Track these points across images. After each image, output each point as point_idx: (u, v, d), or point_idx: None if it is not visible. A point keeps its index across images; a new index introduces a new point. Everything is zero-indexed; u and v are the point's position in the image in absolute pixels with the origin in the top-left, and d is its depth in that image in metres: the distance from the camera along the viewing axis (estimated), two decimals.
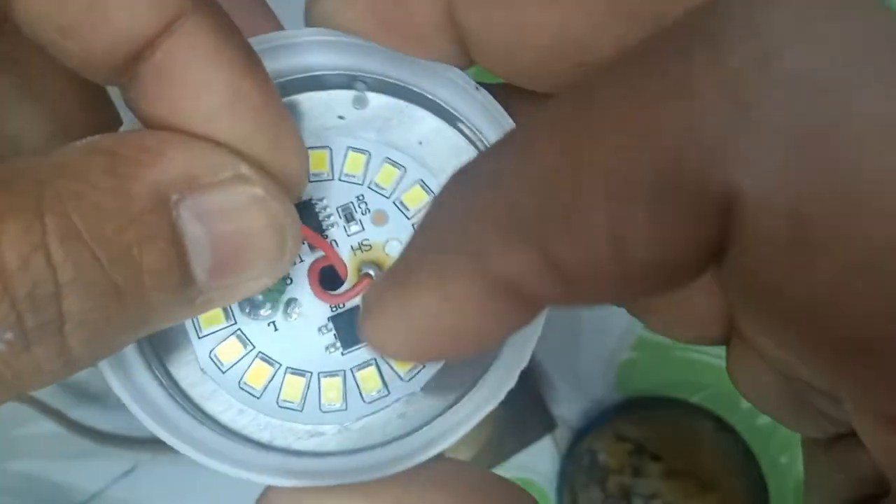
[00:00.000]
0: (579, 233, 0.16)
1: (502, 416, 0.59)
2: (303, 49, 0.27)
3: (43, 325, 0.19)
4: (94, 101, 0.28)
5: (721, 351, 0.62)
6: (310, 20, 0.27)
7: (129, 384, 0.24)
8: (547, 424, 0.60)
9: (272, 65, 0.27)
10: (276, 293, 0.26)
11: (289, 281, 0.27)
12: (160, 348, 0.26)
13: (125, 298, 0.20)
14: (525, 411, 0.59)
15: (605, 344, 0.62)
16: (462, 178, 0.18)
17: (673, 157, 0.15)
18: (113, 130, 0.25)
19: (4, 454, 0.59)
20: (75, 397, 0.58)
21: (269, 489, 0.24)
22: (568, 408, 0.61)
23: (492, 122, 0.27)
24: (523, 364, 0.25)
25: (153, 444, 0.58)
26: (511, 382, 0.25)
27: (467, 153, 0.28)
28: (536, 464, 0.60)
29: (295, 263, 0.27)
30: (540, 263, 0.16)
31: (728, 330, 0.27)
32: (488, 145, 0.27)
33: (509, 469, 0.60)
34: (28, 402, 0.57)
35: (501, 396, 0.25)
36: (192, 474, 0.59)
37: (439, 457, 0.25)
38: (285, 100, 0.28)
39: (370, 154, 0.28)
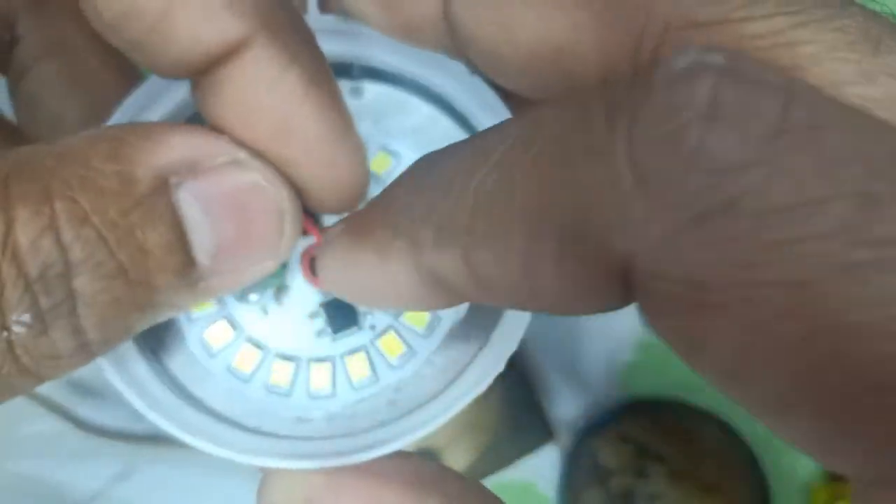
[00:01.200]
0: (499, 251, 0.17)
1: (500, 424, 0.59)
2: None
3: (57, 305, 0.19)
4: (131, 84, 0.29)
5: None
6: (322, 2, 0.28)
7: (119, 366, 0.25)
8: (545, 434, 0.60)
9: None
10: (275, 279, 0.26)
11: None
12: (150, 331, 0.26)
13: (131, 279, 0.20)
14: (523, 419, 0.59)
15: (608, 345, 0.62)
16: (426, 167, 0.20)
17: (581, 214, 0.16)
18: None
19: (4, 454, 0.59)
20: (74, 393, 0.58)
21: (267, 475, 0.25)
22: (570, 409, 0.61)
23: (486, 109, 0.27)
24: (512, 349, 0.25)
25: (153, 439, 0.58)
26: (499, 367, 0.25)
27: None
28: (538, 465, 0.60)
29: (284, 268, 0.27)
30: (463, 267, 0.18)
31: None
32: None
33: (511, 469, 0.60)
34: (28, 396, 0.57)
35: (489, 381, 0.24)
36: (193, 475, 0.59)
37: (431, 459, 0.25)
38: None
39: (366, 142, 0.28)
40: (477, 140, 0.19)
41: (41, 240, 0.19)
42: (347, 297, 0.24)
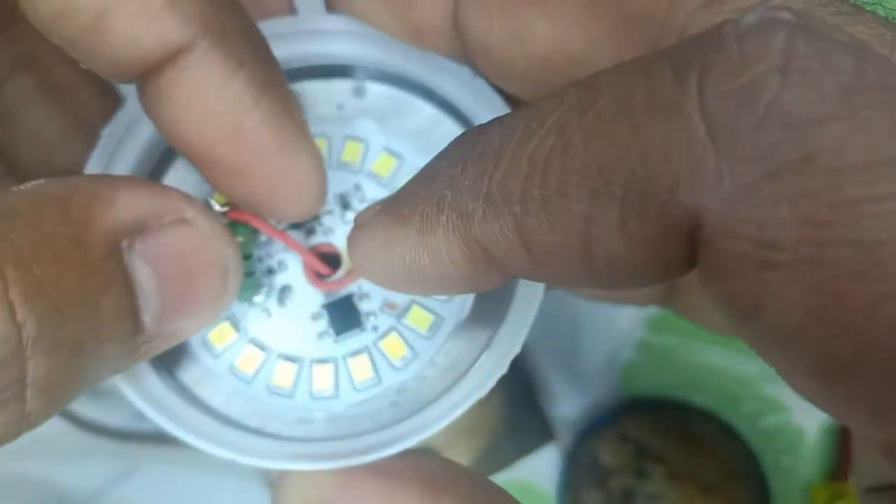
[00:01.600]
0: (555, 218, 0.17)
1: (499, 425, 0.58)
2: (304, 38, 0.27)
3: (5, 388, 0.17)
4: (109, 102, 0.28)
5: (722, 351, 0.61)
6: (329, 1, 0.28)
7: None
8: (545, 435, 0.60)
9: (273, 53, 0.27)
10: (249, 291, 0.26)
11: (273, 270, 0.27)
12: None
13: (86, 352, 0.19)
14: (524, 420, 0.59)
15: (608, 345, 0.62)
16: (471, 140, 0.19)
17: (647, 170, 0.15)
18: None
19: (5, 454, 0.59)
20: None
21: (282, 477, 0.25)
22: (570, 409, 0.61)
23: (489, 111, 0.27)
24: (515, 351, 0.25)
25: (155, 438, 0.58)
26: (502, 369, 0.25)
27: None
28: (538, 464, 0.60)
29: (255, 270, 0.27)
30: (515, 238, 0.18)
31: None
32: None
33: (510, 468, 0.60)
34: None
35: (492, 383, 0.24)
36: (194, 474, 0.58)
37: (437, 455, 0.25)
38: None
39: (368, 143, 0.28)
40: (527, 109, 0.18)
41: None
42: (384, 283, 0.23)
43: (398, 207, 0.21)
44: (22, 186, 0.19)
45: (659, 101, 0.16)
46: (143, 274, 0.21)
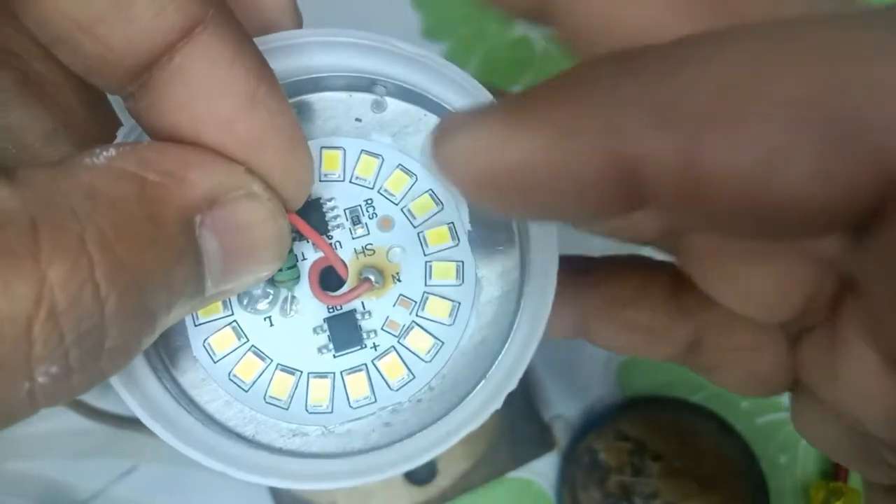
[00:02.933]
0: (738, 143, 0.15)
1: (497, 433, 0.58)
2: (325, 49, 0.27)
3: (85, 355, 0.19)
4: (92, 97, 0.28)
5: None
6: None
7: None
8: (545, 443, 0.60)
9: (294, 63, 0.27)
10: (291, 281, 0.27)
11: (297, 277, 0.27)
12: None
13: (156, 318, 0.21)
14: (522, 428, 0.59)
15: None
16: (631, 56, 0.17)
17: (858, 109, 0.15)
18: (111, 126, 0.26)
19: (6, 453, 0.59)
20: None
21: None
22: (567, 407, 0.61)
23: None
24: (511, 387, 0.25)
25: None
26: (497, 404, 0.25)
27: None
28: (536, 463, 0.60)
29: (298, 261, 0.27)
30: (679, 159, 0.16)
31: (792, 380, 0.27)
32: None
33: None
34: None
35: (486, 417, 0.25)
36: (194, 474, 0.59)
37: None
38: (305, 98, 0.28)
39: (383, 159, 0.28)
40: (705, 33, 0.17)
41: (80, 295, 0.18)
42: (476, 187, 0.18)
43: (530, 103, 0.18)
44: (95, 160, 0.20)
45: (869, 47, 0.15)
46: (210, 245, 0.22)
